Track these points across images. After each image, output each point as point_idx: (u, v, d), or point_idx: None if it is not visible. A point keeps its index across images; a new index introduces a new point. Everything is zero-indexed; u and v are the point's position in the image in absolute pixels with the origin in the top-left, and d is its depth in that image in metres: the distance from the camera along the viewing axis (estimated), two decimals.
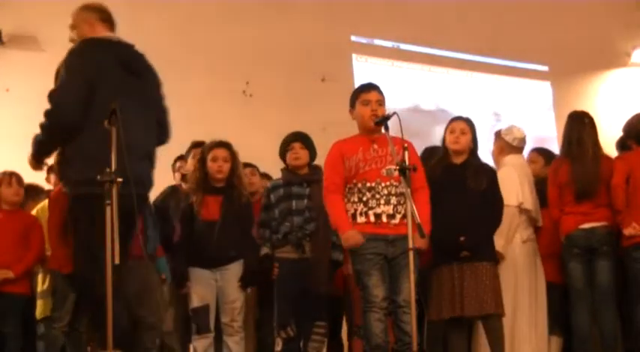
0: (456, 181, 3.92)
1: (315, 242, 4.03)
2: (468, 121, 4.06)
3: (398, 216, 3.60)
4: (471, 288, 3.78)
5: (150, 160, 3.50)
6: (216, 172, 4.07)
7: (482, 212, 3.88)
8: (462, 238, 3.79)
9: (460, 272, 3.82)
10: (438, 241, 3.80)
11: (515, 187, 4.25)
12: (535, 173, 4.66)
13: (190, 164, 4.59)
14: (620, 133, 4.57)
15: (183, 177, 4.58)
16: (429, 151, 4.44)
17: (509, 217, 4.15)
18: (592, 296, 4.16)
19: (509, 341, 4.05)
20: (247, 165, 4.69)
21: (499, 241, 4.09)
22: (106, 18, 3.63)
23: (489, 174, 4.02)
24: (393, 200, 3.61)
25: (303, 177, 4.16)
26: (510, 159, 4.43)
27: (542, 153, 5.02)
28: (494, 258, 3.94)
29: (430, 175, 3.92)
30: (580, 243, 4.17)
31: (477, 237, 3.85)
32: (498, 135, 4.55)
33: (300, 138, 4.23)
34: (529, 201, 4.28)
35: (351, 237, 3.54)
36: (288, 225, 4.07)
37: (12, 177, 4.33)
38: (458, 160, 4.00)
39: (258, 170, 4.87)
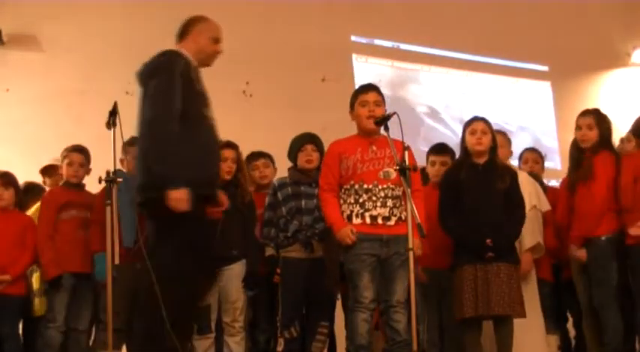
0: (481, 182, 3.89)
1: (327, 242, 4.01)
2: (486, 121, 4.03)
3: (393, 219, 3.61)
4: (498, 288, 3.74)
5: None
6: (225, 173, 4.06)
7: (506, 212, 3.87)
8: (488, 240, 3.76)
9: (484, 273, 3.78)
10: (463, 242, 3.81)
11: (542, 193, 4.33)
12: (537, 172, 4.69)
13: None
14: (620, 133, 4.55)
15: None
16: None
17: (540, 218, 4.25)
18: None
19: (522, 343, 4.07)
20: (261, 154, 4.62)
21: (540, 239, 4.19)
22: None
23: (512, 174, 3.99)
24: (390, 202, 3.62)
25: (312, 177, 4.14)
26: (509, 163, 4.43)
27: (540, 154, 5.02)
28: (517, 260, 3.93)
29: (453, 176, 3.93)
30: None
31: (503, 238, 3.84)
32: (507, 138, 4.52)
33: (313, 141, 4.22)
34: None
35: (345, 235, 3.56)
36: (297, 223, 4.06)
37: None
38: (480, 160, 3.96)
39: (272, 161, 4.64)
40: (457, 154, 4.25)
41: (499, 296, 3.74)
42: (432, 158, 4.40)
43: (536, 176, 4.69)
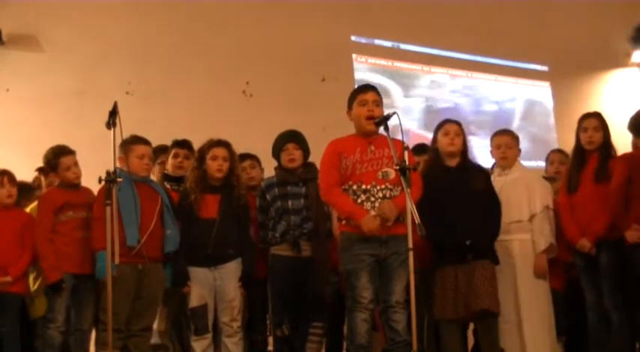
0: (456, 183, 3.91)
1: (315, 241, 4.01)
2: (459, 124, 4.08)
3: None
4: (480, 285, 3.78)
5: None
6: (216, 171, 4.06)
7: (484, 213, 3.90)
8: (467, 242, 3.78)
9: (464, 273, 3.80)
10: (442, 244, 3.81)
11: (553, 193, 4.35)
12: (562, 173, 4.69)
13: (170, 164, 4.57)
14: (620, 133, 4.54)
15: (165, 176, 4.56)
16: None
17: (552, 220, 4.25)
18: None
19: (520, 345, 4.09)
20: (247, 156, 4.59)
21: (552, 240, 4.19)
22: None
23: (486, 175, 4.04)
24: None
25: (298, 176, 4.14)
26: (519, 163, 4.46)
27: (567, 155, 4.99)
28: (496, 259, 3.95)
29: (426, 178, 3.93)
30: None
31: (483, 238, 3.86)
32: (518, 139, 4.53)
33: (294, 139, 4.20)
34: None
35: (370, 221, 3.52)
36: (285, 224, 4.06)
37: (4, 176, 4.15)
38: (452, 163, 4.00)
39: (258, 162, 4.66)
40: None
41: (481, 292, 3.76)
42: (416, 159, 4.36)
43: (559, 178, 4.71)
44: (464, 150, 4.02)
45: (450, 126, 4.02)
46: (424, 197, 3.80)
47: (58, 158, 4.10)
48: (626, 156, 4.23)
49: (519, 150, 4.49)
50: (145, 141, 4.06)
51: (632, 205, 4.05)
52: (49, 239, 4.00)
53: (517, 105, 7.73)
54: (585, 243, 4.11)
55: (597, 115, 4.29)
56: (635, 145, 4.33)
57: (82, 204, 4.08)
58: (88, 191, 4.18)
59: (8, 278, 4.01)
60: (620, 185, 4.04)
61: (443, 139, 4.00)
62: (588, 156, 4.23)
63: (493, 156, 4.43)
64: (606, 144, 4.22)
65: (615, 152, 4.27)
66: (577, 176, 4.23)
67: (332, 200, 3.70)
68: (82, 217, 4.06)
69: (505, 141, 4.34)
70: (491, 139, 4.45)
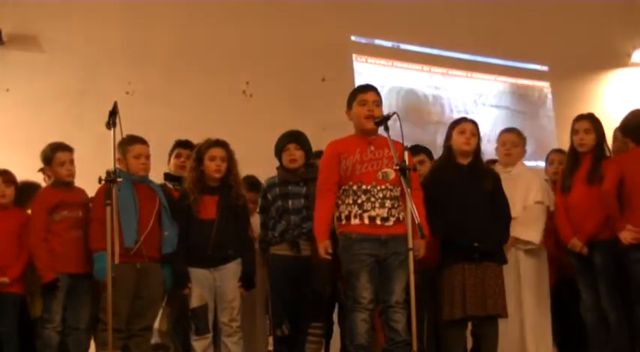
0: (466, 182, 3.91)
1: (315, 241, 4.01)
2: (475, 123, 4.07)
3: (392, 219, 3.61)
4: (490, 289, 3.79)
5: None
6: (214, 171, 4.05)
7: (492, 213, 3.90)
8: (475, 244, 3.78)
9: (472, 273, 3.80)
10: (450, 243, 3.81)
11: (551, 192, 4.39)
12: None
13: (172, 164, 4.58)
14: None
15: (167, 175, 4.57)
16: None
17: (543, 214, 4.28)
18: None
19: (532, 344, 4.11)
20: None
21: (536, 235, 4.20)
22: None
23: (495, 176, 4.04)
24: (388, 203, 3.62)
25: (299, 176, 4.15)
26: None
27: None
28: (504, 260, 3.95)
29: (438, 176, 3.93)
30: None
31: (490, 241, 3.86)
32: (525, 139, 4.53)
33: (296, 139, 4.21)
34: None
35: (322, 249, 3.56)
36: (285, 223, 4.07)
37: None
38: (464, 161, 3.99)
39: None
40: (435, 154, 4.30)
41: (493, 296, 3.78)
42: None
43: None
44: (477, 149, 4.02)
45: (467, 124, 4.01)
46: (431, 193, 3.83)
47: (54, 152, 4.10)
48: (617, 157, 4.25)
49: (524, 151, 4.50)
50: (141, 141, 4.06)
51: (625, 206, 4.06)
52: (43, 238, 3.99)
53: (516, 105, 7.72)
54: (576, 243, 4.13)
55: (589, 117, 4.30)
56: (614, 145, 4.35)
57: (76, 203, 4.08)
58: (81, 191, 4.17)
59: (5, 280, 4.01)
60: (612, 187, 4.05)
61: (458, 138, 3.99)
62: (582, 157, 4.26)
63: (498, 153, 4.45)
64: (599, 146, 4.23)
65: (609, 153, 4.28)
66: (570, 177, 4.25)
67: (316, 205, 3.69)
68: (77, 217, 4.06)
69: (511, 138, 4.41)
70: (498, 137, 4.49)
